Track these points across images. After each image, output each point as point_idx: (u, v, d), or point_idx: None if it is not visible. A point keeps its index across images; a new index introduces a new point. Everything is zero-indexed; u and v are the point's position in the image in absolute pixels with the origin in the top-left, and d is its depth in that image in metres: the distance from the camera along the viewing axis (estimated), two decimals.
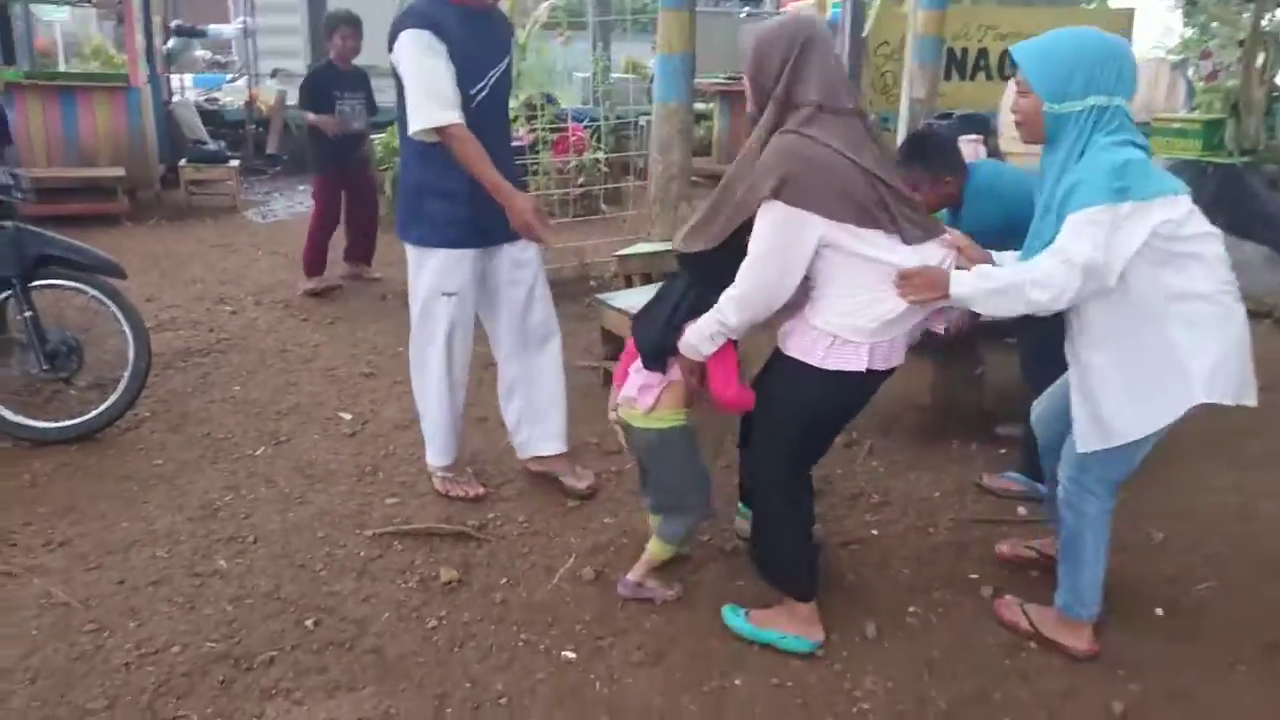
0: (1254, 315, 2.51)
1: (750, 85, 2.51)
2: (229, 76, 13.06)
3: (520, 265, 3.34)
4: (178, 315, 5.51)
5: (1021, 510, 3.43)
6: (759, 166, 2.38)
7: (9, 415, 3.78)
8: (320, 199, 6.18)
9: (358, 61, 6.09)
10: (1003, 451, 3.83)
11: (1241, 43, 8.72)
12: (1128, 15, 9.80)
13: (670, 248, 5.11)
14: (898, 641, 2.70)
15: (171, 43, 10.57)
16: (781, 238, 2.34)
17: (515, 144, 4.91)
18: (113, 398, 3.89)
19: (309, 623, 2.74)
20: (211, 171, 8.87)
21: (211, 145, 9.20)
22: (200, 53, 12.86)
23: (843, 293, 2.41)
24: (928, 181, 3.36)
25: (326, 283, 6.14)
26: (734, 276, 2.43)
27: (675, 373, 2.68)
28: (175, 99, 10.24)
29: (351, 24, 5.99)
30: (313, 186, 6.45)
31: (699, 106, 10.24)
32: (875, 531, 3.32)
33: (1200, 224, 2.35)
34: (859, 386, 2.52)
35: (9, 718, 2.34)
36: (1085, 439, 2.49)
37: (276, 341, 5.14)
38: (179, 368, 4.69)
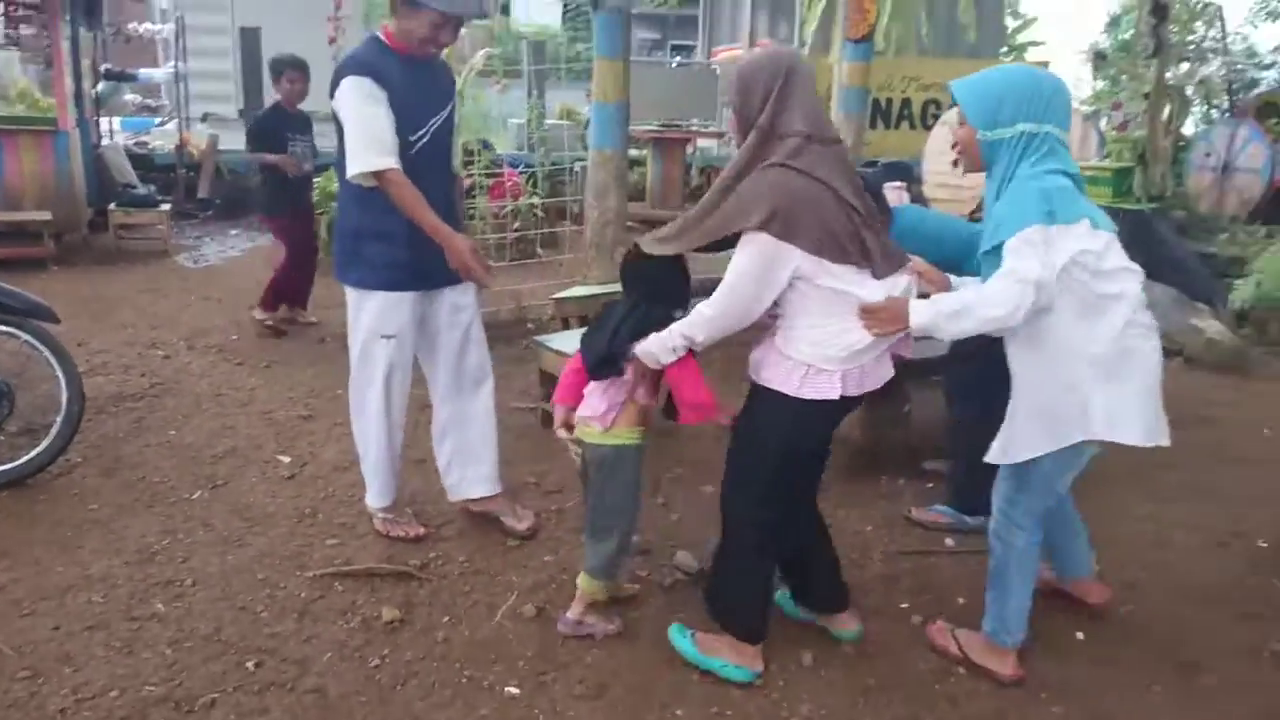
0: (1165, 354, 2.66)
1: (735, 116, 2.60)
2: (157, 120, 12.95)
3: (458, 309, 3.40)
4: (109, 360, 5.44)
5: (949, 541, 3.56)
6: (746, 193, 2.45)
7: None
8: (286, 238, 6.23)
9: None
10: (930, 485, 3.96)
11: (1147, 96, 9.18)
12: (1042, 67, 10.23)
13: (606, 291, 5.22)
14: (833, 670, 2.79)
15: (101, 86, 10.46)
16: (761, 268, 2.44)
17: None
18: (45, 443, 3.83)
19: (250, 664, 2.73)
20: (142, 215, 8.76)
21: (141, 189, 9.10)
22: (130, 96, 12.73)
23: (814, 323, 2.49)
24: None
25: (278, 319, 6.20)
26: (677, 292, 2.54)
27: (633, 392, 2.75)
28: (104, 142, 10.11)
29: (298, 68, 6.06)
30: (272, 229, 6.49)
31: (632, 153, 10.41)
32: None
33: (1119, 258, 2.51)
34: (833, 413, 2.58)
35: None
36: (992, 452, 2.65)
37: (211, 385, 5.11)
38: (111, 412, 4.64)
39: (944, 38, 12.31)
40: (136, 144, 10.97)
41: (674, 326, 2.58)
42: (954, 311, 2.42)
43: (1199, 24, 14.49)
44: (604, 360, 2.70)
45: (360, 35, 13.59)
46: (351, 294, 3.29)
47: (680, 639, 2.80)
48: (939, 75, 9.72)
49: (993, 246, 2.47)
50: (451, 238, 3.10)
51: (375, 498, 3.49)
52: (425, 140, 3.14)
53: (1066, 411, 2.50)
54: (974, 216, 4.20)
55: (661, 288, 2.74)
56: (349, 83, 3.02)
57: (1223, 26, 14.50)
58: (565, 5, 19.20)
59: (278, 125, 6.05)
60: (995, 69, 2.66)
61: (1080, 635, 2.98)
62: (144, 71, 12.40)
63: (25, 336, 3.88)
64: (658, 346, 2.60)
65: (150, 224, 8.81)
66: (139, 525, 3.53)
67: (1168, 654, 2.90)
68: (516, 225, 7.90)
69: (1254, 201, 10.09)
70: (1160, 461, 4.17)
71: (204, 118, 11.63)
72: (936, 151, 4.90)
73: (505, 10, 14.89)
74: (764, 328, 2.60)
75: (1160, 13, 8.94)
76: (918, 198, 6.58)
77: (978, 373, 2.85)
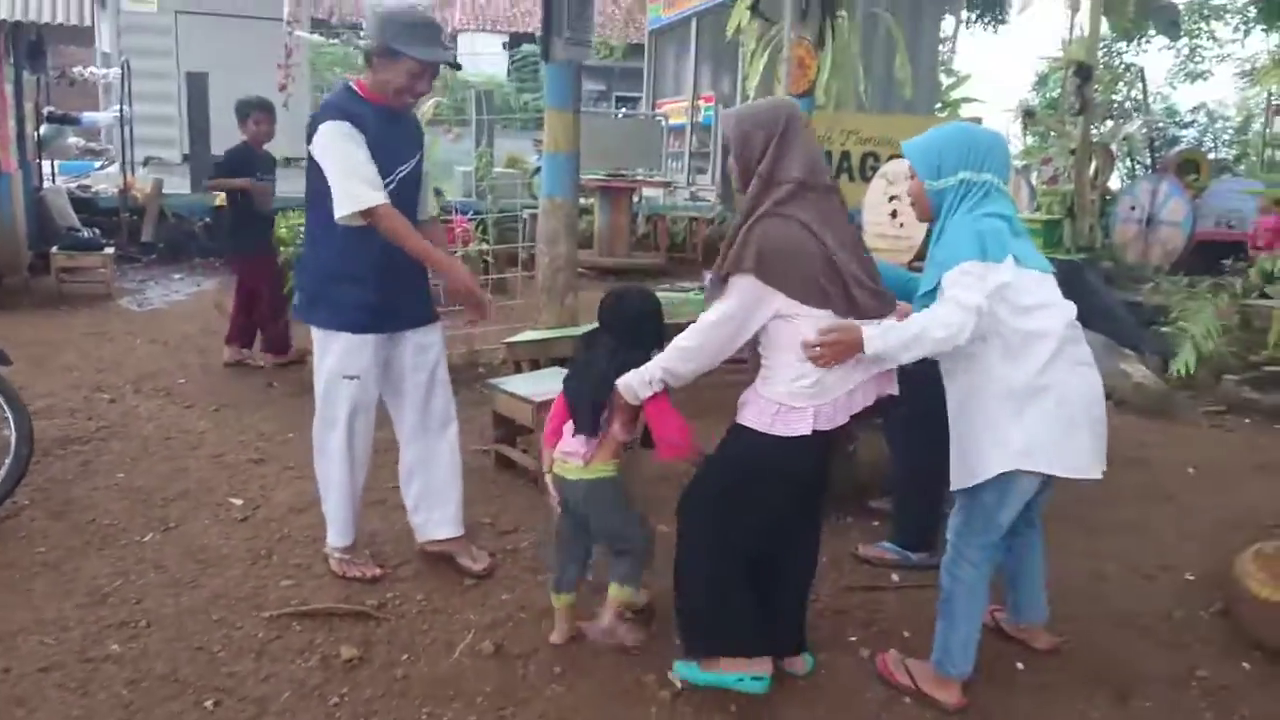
0: None
1: (736, 164, 2.71)
2: (97, 164, 12.85)
3: (423, 349, 3.46)
4: (54, 403, 5.38)
5: (895, 577, 3.67)
6: (741, 239, 2.59)
7: None
8: (245, 277, 6.26)
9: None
10: (876, 524, 4.08)
11: (1073, 152, 9.58)
12: (975, 123, 10.62)
13: (557, 335, 5.32)
14: (787, 701, 2.86)
15: (44, 129, 10.38)
16: (744, 307, 2.57)
17: None
18: None
19: (208, 704, 2.73)
20: (84, 259, 8.67)
21: (84, 232, 9.01)
22: (73, 139, 12.62)
23: (788, 360, 2.60)
24: None
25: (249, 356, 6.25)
26: (655, 332, 2.70)
27: (613, 426, 2.86)
28: (46, 185, 10.02)
29: (265, 109, 6.17)
30: (233, 267, 6.51)
31: (581, 201, 10.57)
32: None
33: (1045, 295, 2.67)
34: (806, 449, 2.63)
35: None
36: (951, 480, 2.81)
37: (159, 429, 5.08)
38: (58, 455, 4.59)
39: (881, 94, 12.68)
40: (79, 187, 10.87)
41: (654, 360, 2.69)
42: (905, 339, 2.55)
43: (1121, 85, 15.15)
44: (594, 413, 2.83)
45: (309, 83, 13.72)
46: (317, 334, 3.34)
47: (686, 670, 2.86)
48: (877, 130, 10.00)
49: (932, 286, 2.63)
50: (453, 265, 3.25)
51: (337, 537, 3.51)
52: (392, 188, 3.20)
53: (987, 443, 2.66)
54: (912, 265, 4.38)
55: (640, 328, 2.89)
56: (329, 127, 3.10)
57: (1144, 87, 15.21)
58: (511, 57, 19.49)
59: (247, 162, 6.15)
60: (939, 127, 2.86)
61: (1020, 665, 3.10)
62: (87, 115, 12.33)
63: None
64: (637, 381, 2.70)
65: (93, 267, 8.72)
66: (90, 567, 3.51)
67: (1102, 681, 3.02)
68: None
69: (1176, 253, 10.56)
70: (1093, 499, 4.37)
71: (145, 162, 11.58)
72: (874, 203, 5.10)
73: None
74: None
75: (1084, 74, 9.37)
76: None
77: (916, 416, 2.99)
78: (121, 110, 10.66)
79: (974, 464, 2.70)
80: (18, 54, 9.04)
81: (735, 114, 2.76)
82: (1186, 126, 24.16)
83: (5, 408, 3.88)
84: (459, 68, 3.50)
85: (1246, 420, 6.08)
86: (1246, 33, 21.52)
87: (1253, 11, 18.99)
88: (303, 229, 5.96)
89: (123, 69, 10.73)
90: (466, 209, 9.21)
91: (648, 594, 3.23)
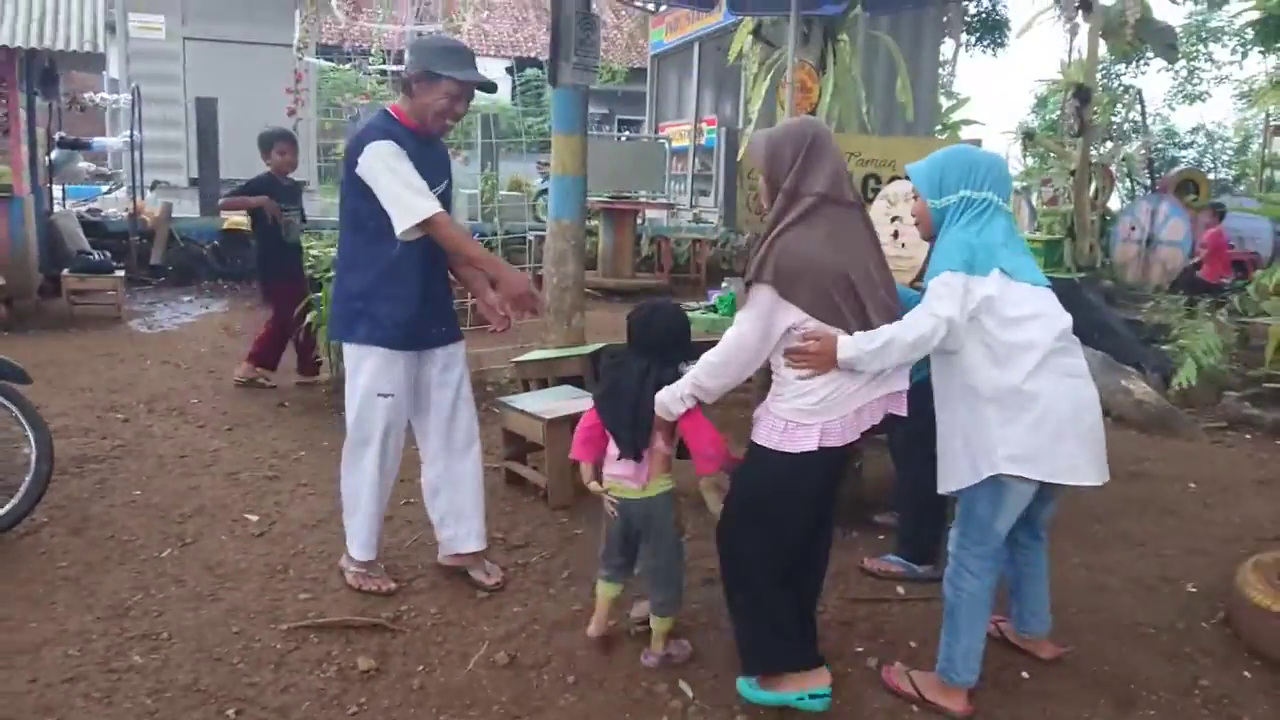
0: None
1: (765, 182, 2.80)
2: (104, 188, 13.00)
3: (449, 368, 3.55)
4: (69, 423, 5.46)
5: (900, 590, 3.73)
6: (764, 250, 2.67)
7: None
8: (276, 302, 6.35)
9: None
10: (881, 537, 4.14)
11: (1073, 173, 9.69)
12: (975, 145, 10.75)
13: (565, 354, 5.39)
14: (793, 713, 2.89)
15: (55, 154, 10.52)
16: (763, 317, 2.65)
17: None
18: (12, 502, 3.86)
19: (230, 712, 2.79)
20: (95, 281, 8.77)
21: (95, 255, 9.12)
22: (83, 164, 12.77)
23: (799, 374, 2.68)
24: None
25: (261, 376, 6.33)
26: (685, 345, 2.83)
27: (656, 442, 2.95)
28: (57, 209, 10.14)
29: (288, 140, 6.26)
30: (263, 292, 6.63)
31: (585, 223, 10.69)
32: None
33: (1036, 306, 2.75)
34: (814, 464, 2.70)
35: None
36: (938, 482, 2.90)
37: (174, 447, 5.15)
38: (75, 473, 4.66)
39: (882, 116, 12.82)
40: (89, 211, 11.00)
41: (684, 377, 2.79)
42: (876, 347, 2.62)
43: (1120, 106, 15.29)
44: (637, 435, 2.93)
45: (317, 108, 13.86)
46: (351, 353, 3.42)
47: (747, 689, 2.90)
48: (878, 152, 10.09)
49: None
50: (508, 269, 3.35)
51: (361, 551, 3.56)
52: None
53: (975, 449, 2.74)
54: (915, 285, 4.46)
55: (671, 341, 2.99)
56: (380, 146, 3.20)
57: (1142, 109, 15.34)
58: (514, 81, 19.66)
59: (271, 190, 6.23)
60: (940, 150, 2.96)
61: (1025, 674, 3.15)
62: (98, 140, 12.48)
63: None
64: (669, 398, 2.81)
65: (103, 289, 8.82)
66: (110, 582, 3.57)
67: (1106, 690, 3.08)
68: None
69: (1176, 272, 10.65)
70: (1089, 513, 4.48)
71: (153, 186, 11.71)
72: (876, 223, 5.18)
73: None
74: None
75: (1083, 96, 9.50)
76: None
77: (919, 432, 3.06)
78: (132, 135, 10.79)
79: (959, 468, 2.80)
80: (30, 81, 9.19)
81: (766, 132, 2.85)
82: (1185, 147, 24.38)
83: (26, 425, 3.95)
84: (494, 89, 3.61)
85: (1247, 436, 6.15)
86: (1244, 55, 21.77)
87: (1250, 34, 19.15)
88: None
89: (133, 95, 10.88)
90: (473, 231, 9.32)
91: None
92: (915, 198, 2.96)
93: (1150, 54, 17.96)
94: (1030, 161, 16.40)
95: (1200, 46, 22.63)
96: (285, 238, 6.25)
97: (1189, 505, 4.82)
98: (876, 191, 9.12)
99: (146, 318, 8.97)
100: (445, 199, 3.45)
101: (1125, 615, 3.60)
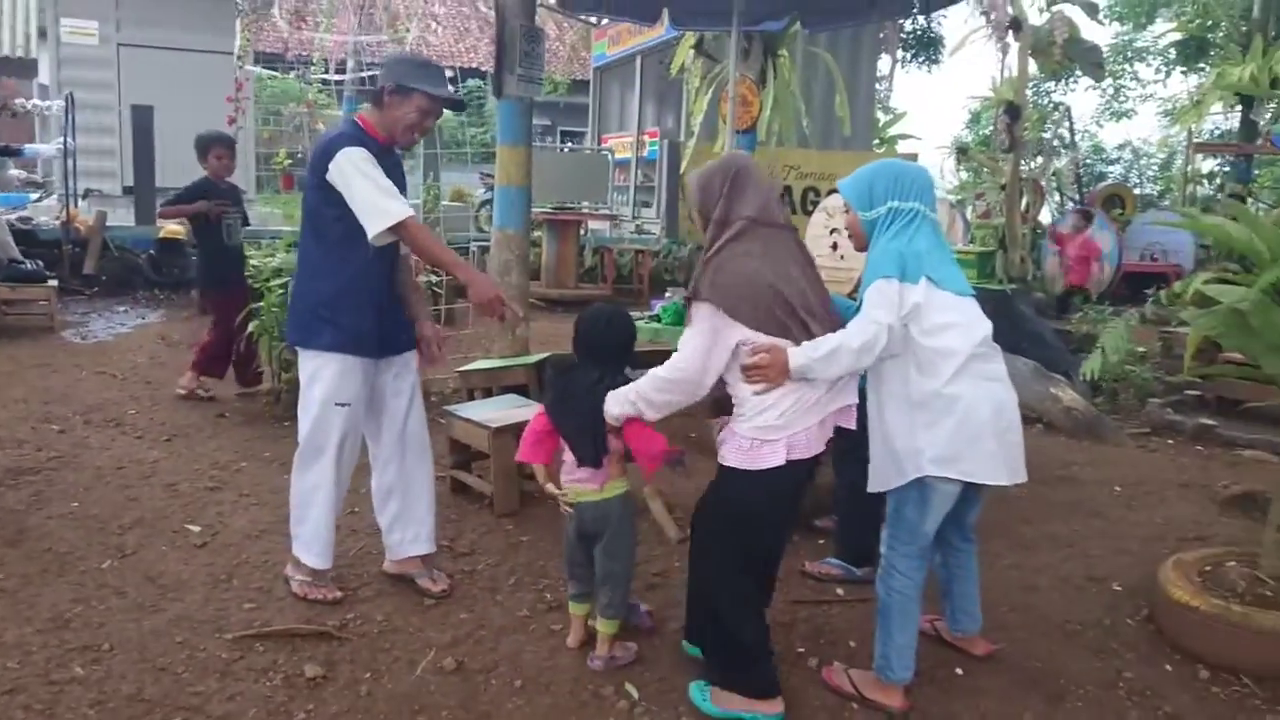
0: (1026, 420, 3.02)
1: (698, 215, 2.94)
2: (33, 196, 12.70)
3: (401, 376, 3.58)
4: (1, 434, 5.35)
5: (840, 591, 3.83)
6: (700, 270, 2.80)
7: None
8: (218, 311, 6.26)
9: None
10: (821, 541, 4.24)
11: (1004, 187, 9.97)
12: (911, 159, 11.02)
13: (510, 363, 5.43)
14: None
15: None
16: (704, 334, 2.75)
17: None
18: None
19: None
20: (27, 291, 8.56)
21: (27, 264, 8.92)
22: (14, 172, 12.47)
23: (756, 390, 2.76)
24: None
25: (202, 387, 6.25)
26: (630, 350, 2.92)
27: (612, 443, 3.02)
28: None
29: (224, 143, 6.21)
30: (205, 303, 6.49)
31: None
32: None
33: (958, 314, 2.86)
34: (783, 477, 2.79)
35: None
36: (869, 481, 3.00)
37: (111, 459, 5.08)
38: (9, 485, 4.58)
39: (821, 130, 13.07)
40: (20, 219, 10.75)
41: (630, 386, 2.87)
42: (824, 355, 2.72)
43: (1050, 123, 15.73)
44: (599, 445, 3.00)
45: (256, 116, 13.71)
46: (309, 360, 3.42)
47: (699, 697, 2.95)
48: (817, 165, 10.34)
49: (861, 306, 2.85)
50: (478, 275, 3.39)
51: (317, 560, 3.55)
52: None
53: (901, 452, 2.86)
54: (853, 295, 4.58)
55: (620, 346, 3.08)
56: (352, 151, 3.22)
57: (1071, 125, 15.82)
58: (456, 91, 19.63)
59: (208, 194, 6.16)
60: (867, 165, 3.10)
61: (959, 670, 3.26)
62: (29, 147, 12.19)
63: None
64: (614, 404, 2.89)
65: (35, 299, 8.63)
66: (49, 594, 3.53)
67: (1036, 684, 3.19)
68: None
69: (1103, 284, 10.99)
70: (1020, 516, 4.63)
71: (85, 194, 11.48)
72: (816, 236, 5.31)
73: None
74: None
75: (1014, 112, 9.79)
76: None
77: (856, 438, 3.16)
78: (65, 143, 10.58)
79: (887, 470, 2.91)
80: None
81: (697, 170, 3.01)
82: (1112, 163, 25.09)
83: None
84: (464, 108, 3.67)
85: (1169, 441, 6.38)
86: (1167, 74, 22.53)
87: (1173, 54, 19.86)
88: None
89: (67, 101, 10.66)
90: None
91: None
92: (847, 211, 3.07)
93: (1079, 72, 18.52)
94: (964, 176, 16.78)
95: (1126, 66, 23.35)
96: (228, 241, 6.19)
97: (1114, 508, 5.00)
98: (816, 204, 9.31)
99: (80, 328, 8.80)
100: None
101: (1054, 613, 3.73)
